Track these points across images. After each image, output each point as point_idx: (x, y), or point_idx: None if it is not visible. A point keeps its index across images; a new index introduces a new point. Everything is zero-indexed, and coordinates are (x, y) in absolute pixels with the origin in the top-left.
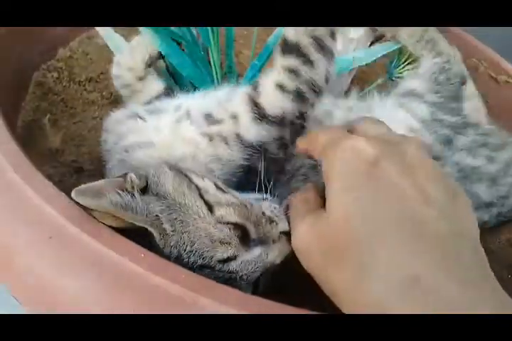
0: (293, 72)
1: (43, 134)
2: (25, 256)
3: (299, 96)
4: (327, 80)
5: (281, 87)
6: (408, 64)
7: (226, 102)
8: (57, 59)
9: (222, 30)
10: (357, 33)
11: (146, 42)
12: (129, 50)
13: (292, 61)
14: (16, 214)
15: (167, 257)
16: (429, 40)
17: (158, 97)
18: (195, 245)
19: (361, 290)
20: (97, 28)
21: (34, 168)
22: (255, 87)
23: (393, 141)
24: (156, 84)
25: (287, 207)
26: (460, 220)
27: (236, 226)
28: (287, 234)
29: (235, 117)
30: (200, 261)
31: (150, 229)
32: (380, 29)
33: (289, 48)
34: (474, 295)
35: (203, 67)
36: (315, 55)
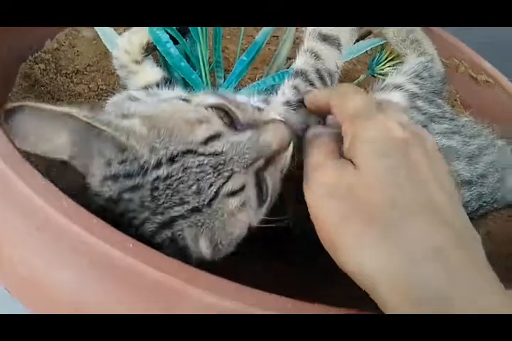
0: (296, 88)
1: None
2: (14, 247)
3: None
4: None
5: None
6: (390, 61)
7: None
8: (44, 51)
9: None
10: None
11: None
12: (129, 34)
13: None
14: (5, 204)
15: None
16: (414, 40)
17: (157, 86)
18: (174, 133)
19: (383, 259)
20: None
21: (23, 158)
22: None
23: (415, 132)
24: (154, 71)
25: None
26: (466, 216)
27: (217, 107)
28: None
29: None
30: (181, 147)
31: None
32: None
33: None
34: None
35: (191, 59)
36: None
